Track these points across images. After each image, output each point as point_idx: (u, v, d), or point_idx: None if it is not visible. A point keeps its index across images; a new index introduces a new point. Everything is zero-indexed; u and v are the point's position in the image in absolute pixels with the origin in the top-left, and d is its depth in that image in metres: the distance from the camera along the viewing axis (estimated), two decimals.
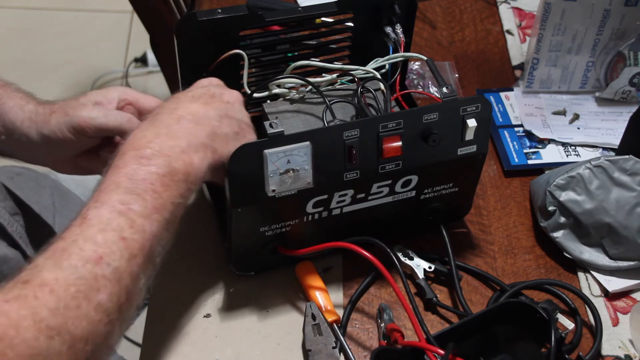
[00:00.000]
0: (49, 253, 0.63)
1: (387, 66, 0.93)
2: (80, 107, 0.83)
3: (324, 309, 0.83)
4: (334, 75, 0.91)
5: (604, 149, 1.06)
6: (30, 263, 0.62)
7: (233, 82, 0.90)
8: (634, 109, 0.96)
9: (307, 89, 0.89)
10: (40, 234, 1.00)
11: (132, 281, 0.64)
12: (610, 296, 0.90)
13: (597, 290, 0.91)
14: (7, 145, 0.88)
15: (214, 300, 0.86)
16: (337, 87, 0.92)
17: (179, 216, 0.72)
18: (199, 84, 0.81)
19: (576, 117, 1.11)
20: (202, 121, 0.75)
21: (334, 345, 0.80)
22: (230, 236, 0.82)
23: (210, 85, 0.81)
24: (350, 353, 0.81)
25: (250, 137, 0.78)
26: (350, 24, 0.93)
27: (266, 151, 0.75)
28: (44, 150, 0.86)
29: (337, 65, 0.91)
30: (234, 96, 0.80)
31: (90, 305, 0.60)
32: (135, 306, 0.66)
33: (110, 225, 0.65)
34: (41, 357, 0.56)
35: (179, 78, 0.88)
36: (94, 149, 0.87)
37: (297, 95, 0.89)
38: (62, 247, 0.63)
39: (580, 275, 0.92)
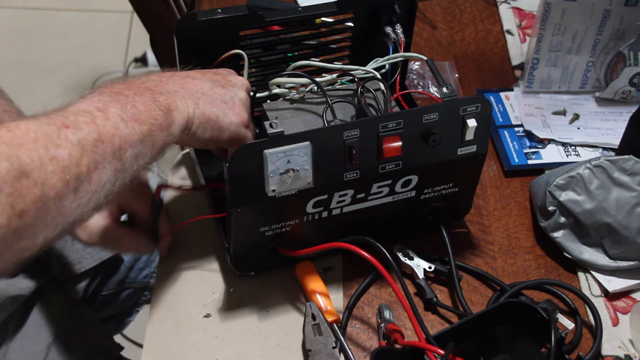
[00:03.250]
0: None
1: (387, 66, 0.93)
2: None
3: (324, 309, 0.83)
4: (334, 75, 0.91)
5: (604, 149, 1.06)
6: None
7: None
8: (634, 109, 0.96)
9: (307, 89, 0.89)
10: None
11: (94, 160, 0.63)
12: (610, 296, 0.90)
13: (597, 290, 0.91)
14: None
15: (214, 300, 0.86)
16: (337, 87, 0.92)
17: (157, 145, 0.71)
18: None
19: (576, 117, 1.11)
20: (194, 81, 0.77)
21: (334, 345, 0.80)
22: (230, 236, 0.82)
23: (219, 68, 0.82)
24: (350, 353, 0.81)
25: (239, 112, 0.78)
26: (350, 24, 0.93)
27: (266, 151, 0.75)
28: None
29: (337, 65, 0.91)
30: (238, 78, 0.81)
31: (47, 153, 0.59)
32: (95, 195, 0.64)
33: (85, 112, 0.65)
34: None
35: None
36: None
37: (297, 95, 0.89)
38: (35, 115, 0.63)
39: (580, 275, 0.92)
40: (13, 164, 0.57)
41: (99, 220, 0.85)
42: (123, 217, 0.88)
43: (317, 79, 0.90)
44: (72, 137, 0.62)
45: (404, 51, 0.92)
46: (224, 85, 0.79)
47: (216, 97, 0.77)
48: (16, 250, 0.58)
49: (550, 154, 1.05)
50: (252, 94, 0.88)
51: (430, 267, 0.88)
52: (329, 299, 0.85)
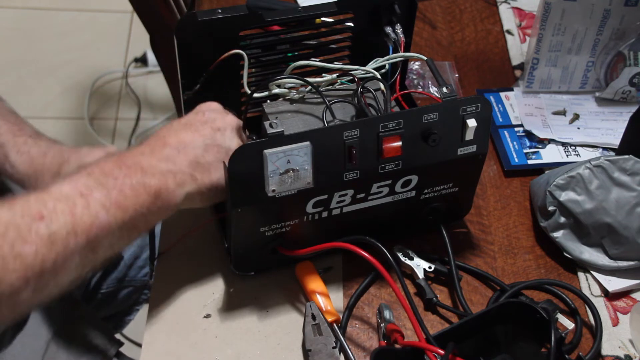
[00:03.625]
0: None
1: (387, 66, 0.93)
2: None
3: (324, 309, 0.83)
4: (334, 75, 0.91)
5: (604, 149, 1.06)
6: None
7: (233, 82, 0.90)
8: (634, 109, 0.96)
9: (307, 89, 0.89)
10: None
11: (64, 254, 0.63)
12: (610, 296, 0.90)
13: (597, 290, 0.91)
14: None
15: (214, 300, 0.86)
16: (337, 87, 0.92)
17: (140, 229, 0.72)
18: (196, 109, 0.82)
19: (576, 117, 1.11)
20: (186, 149, 0.77)
21: (334, 345, 0.80)
22: (230, 236, 0.82)
23: (207, 110, 0.82)
24: (350, 353, 0.81)
25: None
26: (350, 24, 0.93)
27: (266, 151, 0.75)
28: None
29: (337, 65, 0.91)
30: (227, 121, 0.81)
31: (12, 251, 0.59)
32: (58, 284, 0.65)
33: (66, 199, 0.65)
34: None
35: (179, 78, 0.88)
36: None
37: (297, 95, 0.89)
38: (14, 200, 0.63)
39: (580, 275, 0.92)
40: None
41: None
42: None
43: (317, 79, 0.90)
44: (44, 231, 0.62)
45: (404, 51, 0.92)
46: (215, 138, 0.79)
47: (212, 160, 0.78)
48: None
49: (550, 154, 1.05)
50: (251, 94, 0.88)
51: (430, 267, 0.88)
52: (329, 299, 0.85)
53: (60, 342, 0.96)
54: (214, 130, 0.79)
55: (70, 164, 0.86)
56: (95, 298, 1.13)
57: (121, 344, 1.06)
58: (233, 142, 0.81)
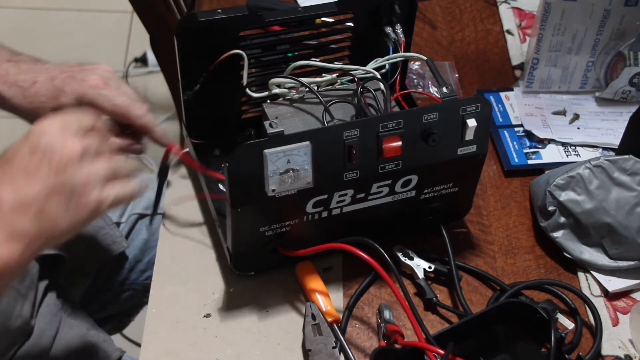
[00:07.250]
0: None
1: (387, 66, 0.93)
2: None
3: (324, 309, 0.83)
4: (334, 75, 0.91)
5: (604, 149, 1.06)
6: None
7: (233, 82, 0.90)
8: (634, 109, 0.96)
9: (307, 89, 0.89)
10: None
11: None
12: (610, 296, 0.90)
13: (597, 290, 0.91)
14: None
15: (214, 300, 0.86)
16: (337, 87, 0.92)
17: None
18: (30, 139, 0.68)
19: (576, 117, 1.11)
20: (25, 206, 0.66)
21: (334, 345, 0.80)
22: (230, 236, 0.82)
23: (41, 134, 0.68)
24: (350, 353, 0.81)
25: (90, 198, 0.68)
26: (350, 24, 0.93)
27: (266, 151, 0.75)
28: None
29: (337, 65, 0.91)
30: (68, 148, 0.68)
31: None
32: None
33: None
34: None
35: (179, 78, 0.88)
36: None
37: (297, 95, 0.89)
38: None
39: (580, 275, 0.92)
40: None
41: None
42: None
43: (317, 79, 0.90)
44: None
45: (404, 51, 0.92)
46: (57, 181, 0.67)
47: (58, 211, 0.67)
48: None
49: (550, 154, 1.05)
50: (251, 93, 0.88)
51: (430, 267, 0.88)
52: (329, 299, 0.85)
53: (58, 350, 0.95)
54: (52, 169, 0.67)
55: (66, 94, 0.84)
56: (96, 301, 1.13)
57: (123, 351, 1.06)
58: (80, 174, 0.68)
